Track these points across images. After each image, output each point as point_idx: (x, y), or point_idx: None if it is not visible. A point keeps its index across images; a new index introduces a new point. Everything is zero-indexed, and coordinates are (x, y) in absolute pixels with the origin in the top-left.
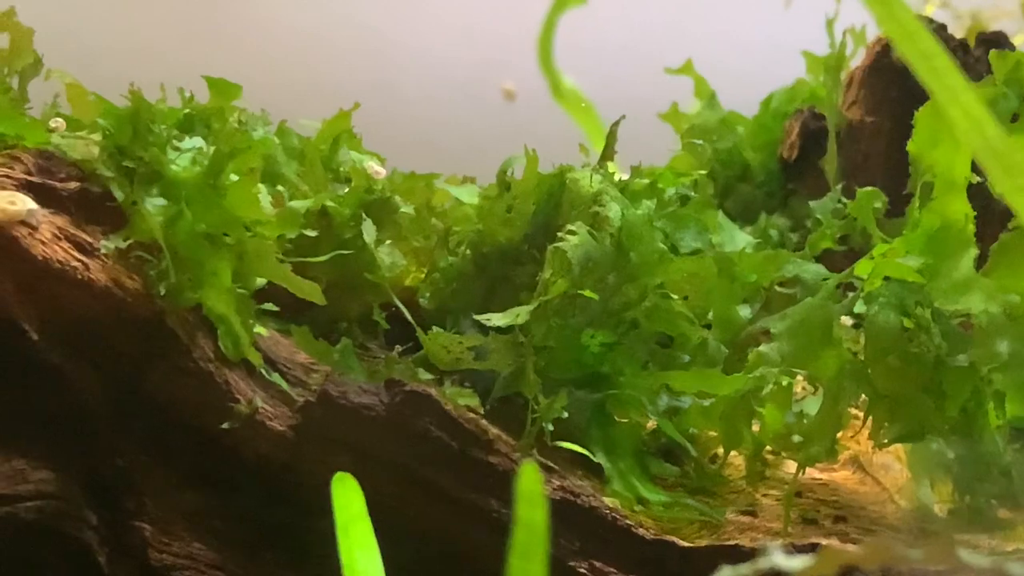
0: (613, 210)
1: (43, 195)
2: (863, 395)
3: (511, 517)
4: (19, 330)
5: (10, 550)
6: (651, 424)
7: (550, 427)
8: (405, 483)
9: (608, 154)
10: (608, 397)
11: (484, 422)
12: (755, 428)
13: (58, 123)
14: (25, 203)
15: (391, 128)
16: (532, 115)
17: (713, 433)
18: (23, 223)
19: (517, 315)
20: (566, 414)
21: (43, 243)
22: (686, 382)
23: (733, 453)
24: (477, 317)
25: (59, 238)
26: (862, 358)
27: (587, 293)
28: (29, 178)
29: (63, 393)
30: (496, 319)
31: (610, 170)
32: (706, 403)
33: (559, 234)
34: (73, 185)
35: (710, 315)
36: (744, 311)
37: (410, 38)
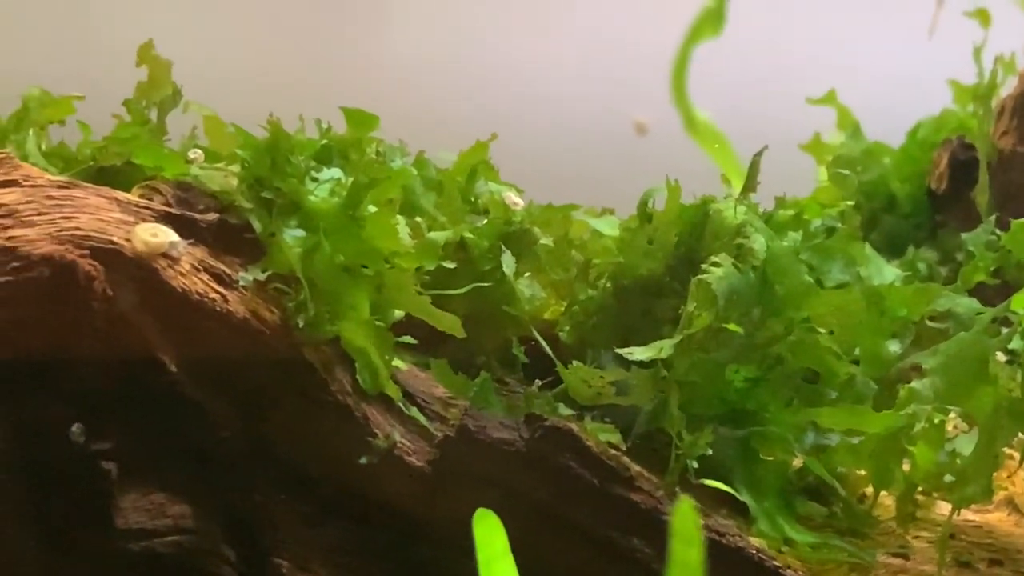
0: (758, 242)
1: (182, 226)
2: (1020, 433)
3: (654, 556)
4: (157, 363)
5: None
6: (797, 462)
7: (694, 464)
8: (545, 520)
9: (751, 185)
10: (753, 434)
11: (626, 459)
12: (906, 467)
13: (196, 154)
14: (167, 235)
15: (525, 160)
16: (666, 147)
17: (862, 472)
18: (164, 255)
19: (660, 349)
20: (710, 451)
21: (182, 275)
22: (834, 419)
23: (883, 493)
24: (618, 351)
25: (198, 270)
26: (1019, 395)
27: (731, 327)
28: (168, 209)
29: (201, 426)
30: (638, 353)
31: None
32: (855, 441)
33: (703, 266)
34: (211, 216)
35: (858, 350)
36: (893, 346)
37: (543, 71)
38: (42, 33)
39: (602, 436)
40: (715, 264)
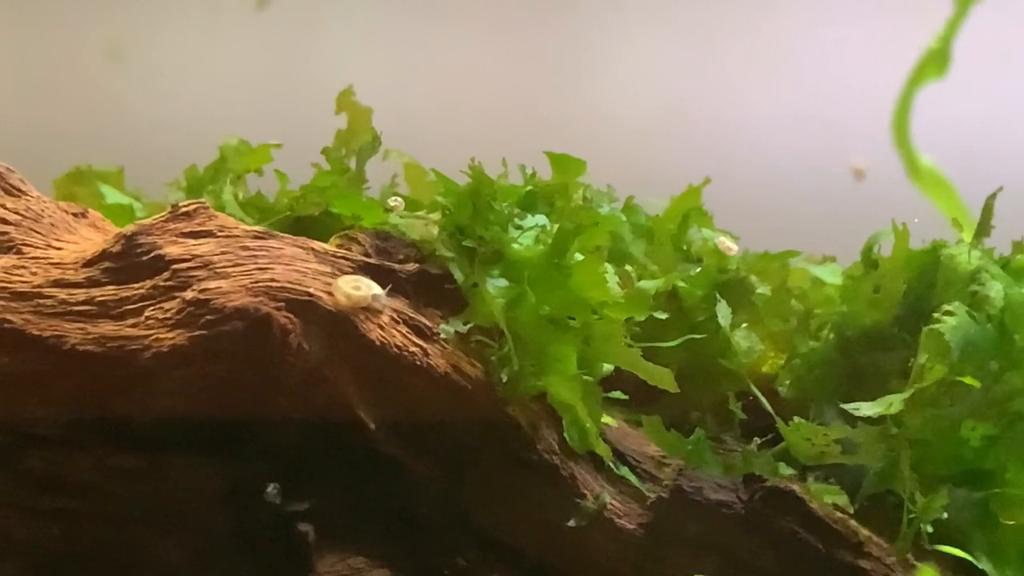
0: (994, 289)
1: (380, 277)
2: None
3: None
4: (356, 419)
5: None
6: None
7: (928, 528)
8: None
9: (985, 229)
10: (992, 496)
11: (853, 522)
12: None
13: (396, 202)
14: (370, 288)
15: (740, 206)
16: (889, 192)
17: None
18: (364, 308)
19: (889, 404)
20: (945, 514)
21: (380, 327)
22: None
23: None
24: (843, 406)
25: (397, 322)
26: None
27: (967, 380)
28: (366, 259)
29: (401, 486)
30: (865, 408)
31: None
32: None
33: (934, 315)
34: (411, 266)
35: None
36: None
37: (758, 115)
38: (243, 84)
39: (827, 498)
40: (948, 313)
